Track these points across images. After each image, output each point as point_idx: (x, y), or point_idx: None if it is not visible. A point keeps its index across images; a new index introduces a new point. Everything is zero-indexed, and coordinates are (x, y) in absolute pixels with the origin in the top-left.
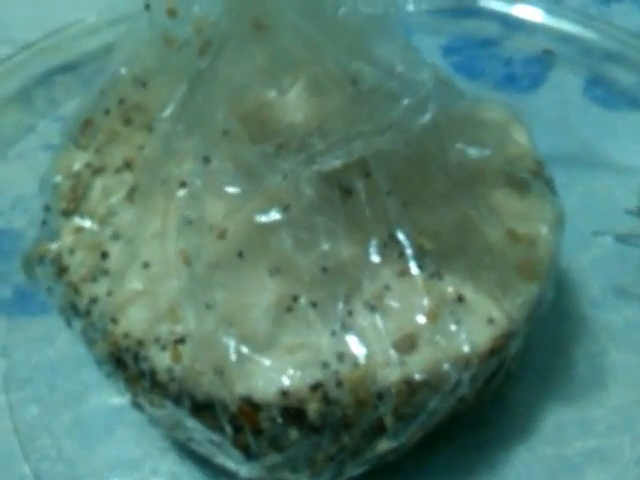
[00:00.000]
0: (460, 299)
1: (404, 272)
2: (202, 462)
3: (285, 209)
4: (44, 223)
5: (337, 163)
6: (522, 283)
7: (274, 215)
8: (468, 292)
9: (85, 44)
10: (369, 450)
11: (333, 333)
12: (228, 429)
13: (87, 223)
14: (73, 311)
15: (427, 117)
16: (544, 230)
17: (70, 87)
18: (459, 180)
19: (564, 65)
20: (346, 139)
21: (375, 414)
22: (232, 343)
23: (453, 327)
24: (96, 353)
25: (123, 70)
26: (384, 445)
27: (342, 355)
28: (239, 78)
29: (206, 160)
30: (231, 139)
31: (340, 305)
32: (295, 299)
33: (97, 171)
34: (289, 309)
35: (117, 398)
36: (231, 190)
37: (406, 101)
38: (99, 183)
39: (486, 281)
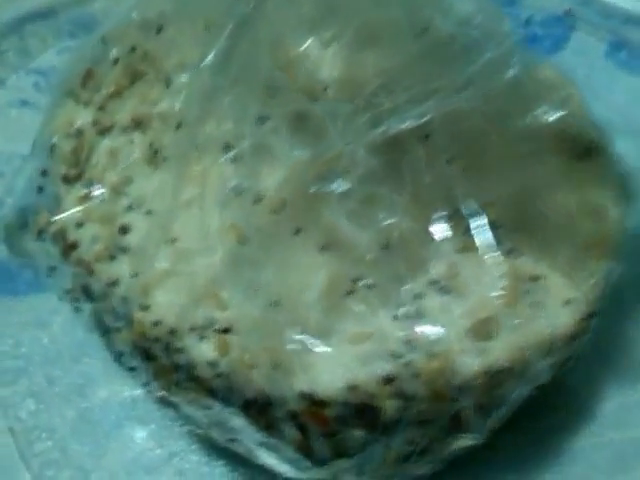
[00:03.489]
0: (535, 278)
1: (473, 248)
2: (236, 461)
3: (343, 178)
4: (40, 190)
5: (407, 125)
6: (593, 260)
7: (332, 184)
8: (543, 271)
9: None
10: (444, 448)
11: (397, 318)
12: (288, 430)
13: (97, 191)
14: (84, 294)
15: (511, 73)
16: (612, 202)
17: (45, 36)
18: (525, 146)
19: (585, 27)
20: (417, 97)
21: (454, 408)
22: (289, 330)
23: (531, 310)
24: (115, 343)
25: (134, 14)
26: (462, 442)
27: (412, 343)
28: (283, 27)
29: (261, 120)
30: (284, 96)
31: (405, 286)
32: (355, 281)
33: (103, 130)
34: (349, 292)
35: (127, 390)
36: (290, 154)
37: (488, 54)
38: (106, 144)
39: (559, 258)
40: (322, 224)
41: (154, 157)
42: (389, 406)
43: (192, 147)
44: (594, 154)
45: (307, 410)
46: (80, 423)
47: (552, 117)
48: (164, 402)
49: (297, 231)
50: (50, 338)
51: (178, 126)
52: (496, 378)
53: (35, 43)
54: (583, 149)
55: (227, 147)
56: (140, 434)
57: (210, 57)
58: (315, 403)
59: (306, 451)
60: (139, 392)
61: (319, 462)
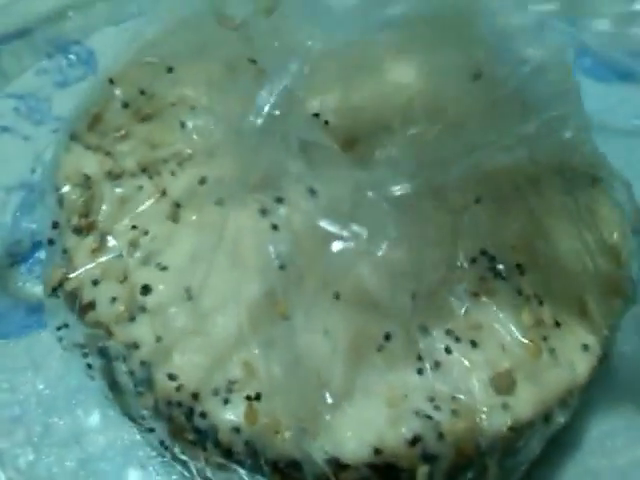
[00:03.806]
0: (554, 325)
1: (495, 295)
2: None
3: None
4: (51, 242)
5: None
6: (610, 300)
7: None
8: (562, 316)
9: (36, 6)
10: None
11: (421, 373)
12: None
13: (110, 242)
14: (99, 355)
15: (567, 135)
16: (627, 239)
17: (21, 57)
18: (543, 187)
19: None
20: (466, 149)
21: (478, 465)
22: (314, 391)
23: (551, 358)
24: (135, 406)
25: (143, 54)
26: None
27: (436, 400)
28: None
29: (312, 192)
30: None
31: (428, 338)
32: (379, 335)
33: (113, 177)
34: (372, 347)
35: (127, 435)
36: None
37: (549, 113)
38: (116, 191)
39: (576, 302)
40: (349, 279)
41: (175, 211)
42: (414, 466)
43: (217, 203)
44: (599, 183)
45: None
46: (80, 472)
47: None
48: (178, 460)
49: (337, 296)
50: (45, 383)
51: (201, 181)
52: (520, 432)
53: (11, 64)
54: (589, 179)
55: (263, 212)
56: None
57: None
58: (341, 466)
59: None
60: (138, 437)
61: None
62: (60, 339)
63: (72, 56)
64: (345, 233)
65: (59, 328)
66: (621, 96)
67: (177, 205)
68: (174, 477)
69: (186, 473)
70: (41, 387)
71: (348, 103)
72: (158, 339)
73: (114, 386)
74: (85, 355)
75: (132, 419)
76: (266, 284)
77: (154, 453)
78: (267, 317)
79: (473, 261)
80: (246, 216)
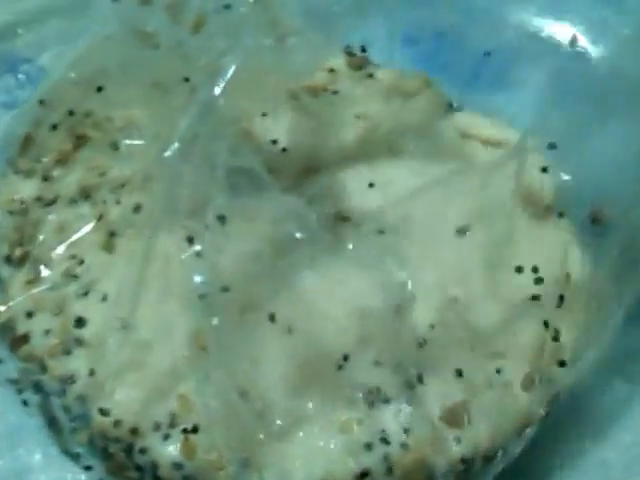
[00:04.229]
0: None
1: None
2: None
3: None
4: None
5: None
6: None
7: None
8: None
9: None
10: None
11: (371, 405)
12: None
13: (45, 272)
14: (34, 389)
15: None
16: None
17: None
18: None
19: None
20: None
21: None
22: (257, 422)
23: (501, 391)
24: (71, 443)
25: (72, 74)
26: None
27: (385, 433)
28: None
29: (221, 219)
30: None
31: (378, 370)
32: (325, 364)
33: (48, 204)
34: (318, 376)
35: (70, 475)
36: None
37: None
38: (52, 219)
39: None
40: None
41: (110, 239)
42: None
43: (151, 231)
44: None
45: None
46: None
47: None
48: None
49: (272, 318)
50: None
51: (136, 209)
52: (474, 464)
53: None
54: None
55: (190, 240)
56: None
57: (174, 145)
58: None
59: None
60: (83, 477)
61: None
62: None
63: (21, 75)
64: None
65: None
66: None
67: (112, 234)
68: None
69: None
70: None
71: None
72: (93, 373)
73: (52, 422)
74: (20, 391)
75: (71, 457)
76: (190, 315)
77: None
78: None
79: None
80: (173, 244)
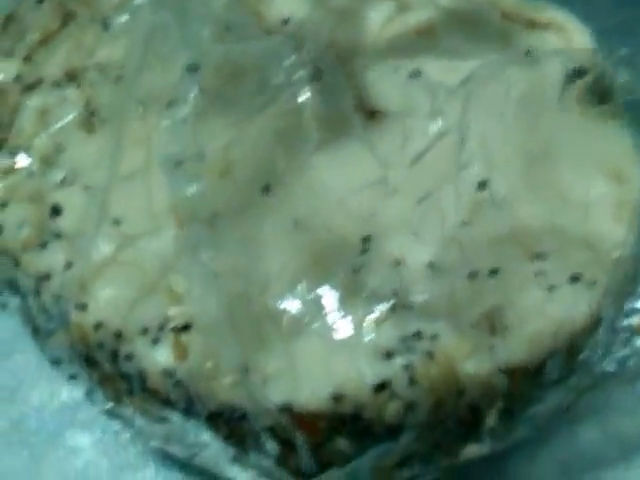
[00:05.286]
0: (544, 256)
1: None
2: (197, 474)
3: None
4: None
5: None
6: (613, 230)
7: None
8: (552, 245)
9: None
10: (450, 456)
11: (391, 309)
12: (266, 443)
13: (22, 161)
14: (10, 289)
15: None
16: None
17: None
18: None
19: None
20: None
21: (459, 415)
22: (259, 327)
23: (545, 293)
24: (50, 347)
25: None
26: (472, 450)
27: (409, 341)
28: None
29: (192, 68)
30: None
31: (400, 268)
32: (337, 262)
33: (30, 87)
34: (329, 276)
35: (66, 391)
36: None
37: None
38: (34, 103)
39: (573, 228)
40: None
41: (90, 119)
42: (382, 417)
43: (134, 104)
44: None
45: (293, 420)
46: (12, 433)
47: None
48: (111, 414)
49: (265, 189)
50: None
51: (118, 79)
52: (507, 380)
53: None
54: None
55: (171, 104)
56: (83, 443)
57: None
58: (297, 416)
59: (289, 465)
60: (79, 394)
61: (305, 475)
62: None
63: None
64: None
65: None
66: None
67: (97, 120)
68: (123, 439)
69: (128, 431)
70: None
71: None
72: (71, 266)
73: (31, 327)
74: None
75: (57, 366)
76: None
77: (98, 412)
78: (202, 240)
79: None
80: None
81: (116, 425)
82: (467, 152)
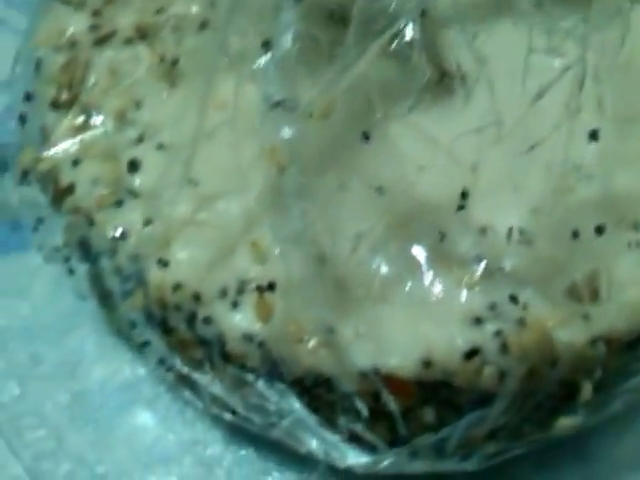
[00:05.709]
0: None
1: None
2: (266, 448)
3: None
4: (23, 119)
5: None
6: None
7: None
8: None
9: None
10: (541, 430)
11: (479, 274)
12: (354, 409)
13: (96, 118)
14: (81, 251)
15: None
16: None
17: None
18: None
19: None
20: None
21: (552, 386)
22: (346, 290)
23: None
24: (123, 311)
25: None
26: (564, 424)
27: (498, 308)
28: None
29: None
30: None
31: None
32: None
33: (102, 40)
34: (416, 239)
35: (128, 368)
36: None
37: None
38: (106, 58)
39: None
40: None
41: (171, 70)
42: (472, 385)
43: (221, 54)
44: None
45: (382, 384)
46: (76, 408)
47: None
48: (183, 383)
49: (365, 136)
50: (31, 308)
51: (202, 26)
52: (604, 351)
53: None
54: None
55: (266, 45)
56: (149, 420)
57: None
58: (385, 379)
59: (379, 429)
60: (142, 371)
61: (395, 441)
62: (40, 247)
63: None
64: None
65: (35, 228)
66: None
67: (177, 73)
68: (190, 414)
69: (199, 404)
70: (25, 312)
71: None
72: (150, 226)
73: (102, 294)
74: (66, 259)
75: (125, 337)
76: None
77: (162, 389)
78: (289, 194)
79: None
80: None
81: (181, 402)
82: (583, 95)
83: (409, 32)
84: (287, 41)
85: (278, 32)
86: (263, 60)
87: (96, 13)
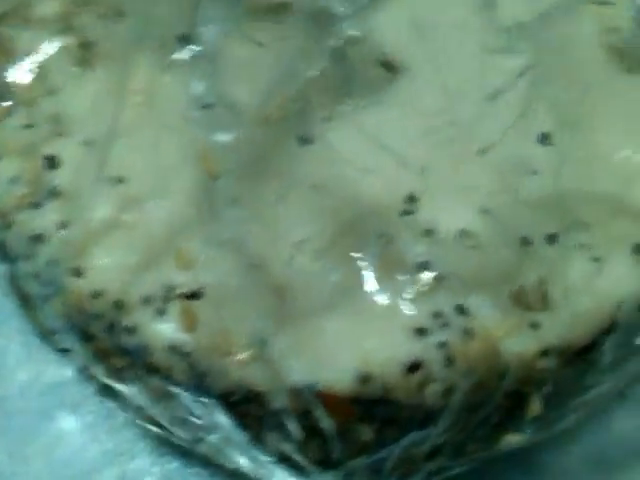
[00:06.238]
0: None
1: None
2: (196, 462)
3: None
4: None
5: None
6: None
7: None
8: (598, 215)
9: None
10: (485, 447)
11: (427, 282)
12: (286, 428)
13: (10, 109)
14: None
15: None
16: None
17: None
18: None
19: None
20: None
21: (500, 400)
22: (278, 299)
23: (593, 266)
24: (42, 318)
25: None
26: (509, 441)
27: (443, 316)
28: None
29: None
30: None
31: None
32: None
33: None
34: (357, 245)
35: (53, 370)
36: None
37: None
38: (24, 38)
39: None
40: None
41: (89, 54)
42: (413, 401)
43: (139, 41)
44: None
45: (317, 402)
46: None
47: None
48: (107, 392)
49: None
50: None
51: (122, 13)
52: (555, 362)
53: None
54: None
55: (183, 39)
56: (73, 427)
57: None
58: (319, 397)
59: (311, 451)
60: (70, 374)
61: (328, 463)
62: None
63: None
64: None
65: None
66: None
67: (96, 54)
68: (119, 420)
69: (123, 414)
70: None
71: None
72: (67, 226)
73: (20, 296)
74: None
75: (47, 339)
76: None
77: (89, 392)
78: (218, 198)
79: None
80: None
81: (108, 407)
82: (534, 96)
83: (350, 28)
84: (211, 37)
85: (198, 26)
86: (184, 54)
87: None
